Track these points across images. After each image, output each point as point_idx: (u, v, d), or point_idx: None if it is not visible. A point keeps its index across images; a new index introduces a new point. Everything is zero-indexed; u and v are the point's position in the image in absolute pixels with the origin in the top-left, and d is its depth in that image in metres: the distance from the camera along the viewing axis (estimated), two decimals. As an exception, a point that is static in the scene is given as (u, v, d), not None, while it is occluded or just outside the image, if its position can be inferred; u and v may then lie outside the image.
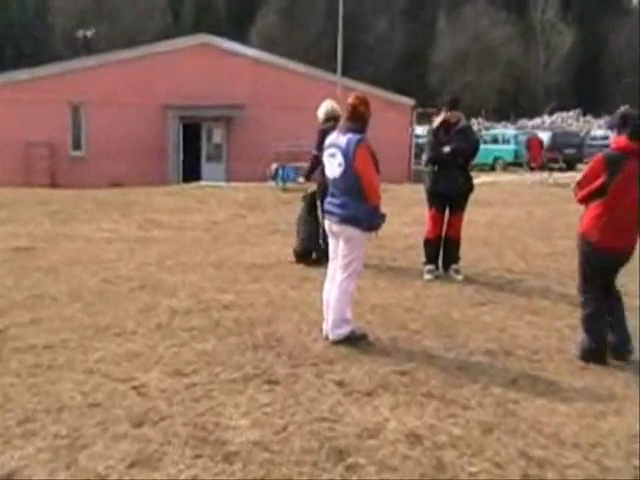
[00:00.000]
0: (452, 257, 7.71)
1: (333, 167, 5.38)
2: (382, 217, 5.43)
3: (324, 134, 8.43)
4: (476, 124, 43.35)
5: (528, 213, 11.94)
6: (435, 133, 7.54)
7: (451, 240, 7.67)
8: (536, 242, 9.59)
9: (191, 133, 24.74)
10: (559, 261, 8.47)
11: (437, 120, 7.63)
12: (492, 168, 29.37)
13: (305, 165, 17.83)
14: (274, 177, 16.81)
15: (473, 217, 11.87)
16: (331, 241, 5.60)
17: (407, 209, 12.65)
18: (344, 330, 5.45)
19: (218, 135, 25.48)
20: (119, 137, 23.59)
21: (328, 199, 5.52)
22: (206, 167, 25.28)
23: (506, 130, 32.96)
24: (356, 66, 52.12)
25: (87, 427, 3.94)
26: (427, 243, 7.66)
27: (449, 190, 7.43)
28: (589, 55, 64.12)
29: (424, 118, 29.77)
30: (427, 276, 7.59)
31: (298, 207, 9.64)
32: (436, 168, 7.49)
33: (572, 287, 7.27)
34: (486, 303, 6.67)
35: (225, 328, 5.80)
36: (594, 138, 31.59)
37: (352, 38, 67.81)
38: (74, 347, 5.35)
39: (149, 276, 7.62)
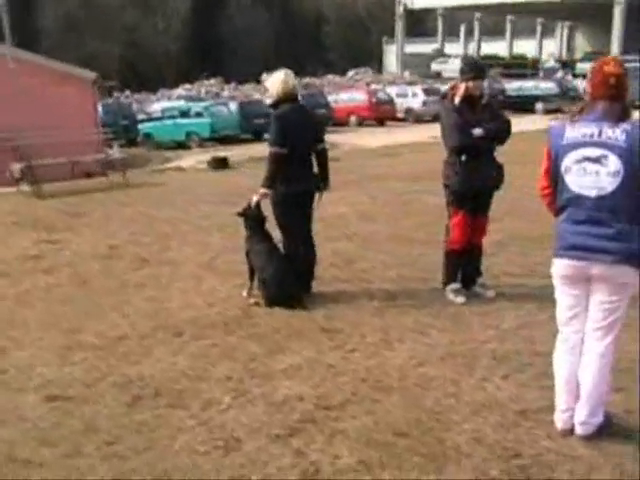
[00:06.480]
0: (477, 269, 6.25)
1: (600, 178, 3.53)
2: None
3: (284, 121, 6.12)
4: (123, 97, 40.61)
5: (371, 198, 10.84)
6: (459, 111, 5.78)
7: (477, 248, 6.18)
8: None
9: None
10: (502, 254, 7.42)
11: (458, 94, 5.78)
12: (184, 146, 24.48)
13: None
14: (19, 180, 12.85)
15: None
16: (569, 292, 3.79)
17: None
18: (599, 418, 3.80)
19: None
20: None
21: (579, 228, 3.63)
22: None
23: (198, 103, 29.98)
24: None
25: None
26: (453, 256, 6.06)
27: (484, 186, 5.89)
28: (205, 21, 64.28)
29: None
30: (459, 299, 6.05)
31: (127, 218, 7.02)
32: (463, 158, 5.80)
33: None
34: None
35: (410, 451, 3.70)
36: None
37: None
38: None
39: (103, 371, 4.78)
